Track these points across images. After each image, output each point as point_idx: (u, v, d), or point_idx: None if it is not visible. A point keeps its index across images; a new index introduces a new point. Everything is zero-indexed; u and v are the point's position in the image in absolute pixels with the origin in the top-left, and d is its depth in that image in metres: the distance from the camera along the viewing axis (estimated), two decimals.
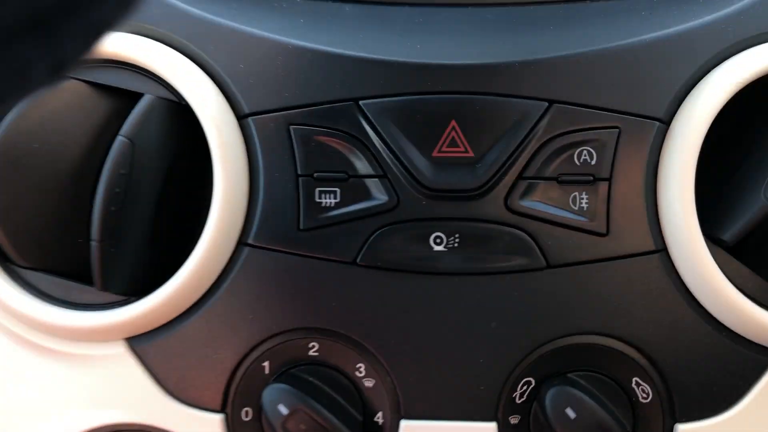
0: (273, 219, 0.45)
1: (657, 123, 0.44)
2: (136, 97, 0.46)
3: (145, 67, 0.46)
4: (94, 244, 0.44)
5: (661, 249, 0.45)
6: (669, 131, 0.44)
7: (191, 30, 0.47)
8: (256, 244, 0.46)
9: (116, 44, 0.46)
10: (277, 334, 0.46)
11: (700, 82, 0.44)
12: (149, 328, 0.47)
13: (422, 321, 0.45)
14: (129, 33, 0.47)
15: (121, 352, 0.48)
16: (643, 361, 0.45)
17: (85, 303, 0.47)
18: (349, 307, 0.45)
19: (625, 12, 0.48)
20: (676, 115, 0.44)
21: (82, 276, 0.46)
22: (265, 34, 0.46)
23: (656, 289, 0.45)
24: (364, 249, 0.45)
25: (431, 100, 0.45)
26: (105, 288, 0.45)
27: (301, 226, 0.45)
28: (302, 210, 0.45)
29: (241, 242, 0.46)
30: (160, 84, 0.47)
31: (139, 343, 0.47)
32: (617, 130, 0.44)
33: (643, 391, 0.45)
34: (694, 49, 0.45)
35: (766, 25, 0.45)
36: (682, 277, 0.45)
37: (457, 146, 0.45)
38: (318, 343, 0.46)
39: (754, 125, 0.46)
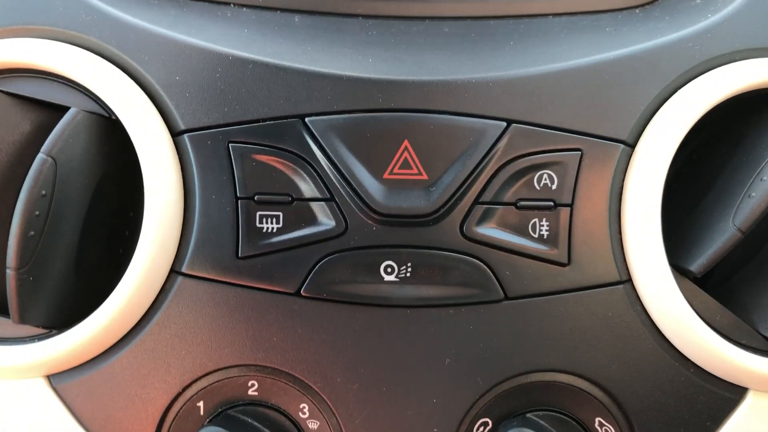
0: (209, 245, 0.42)
1: (621, 145, 0.42)
2: (63, 110, 0.42)
3: (72, 79, 0.43)
4: (9, 272, 0.40)
5: (626, 280, 0.42)
6: (634, 154, 0.42)
7: (123, 38, 0.43)
8: (190, 273, 0.42)
9: (39, 52, 0.43)
10: (212, 372, 0.43)
11: (666, 103, 0.42)
12: (72, 364, 0.43)
13: (371, 357, 0.42)
14: (54, 40, 0.43)
15: (41, 390, 0.44)
16: (606, 400, 0.43)
17: (2, 337, 0.43)
18: (292, 343, 0.42)
19: (588, 28, 0.46)
20: (642, 137, 0.42)
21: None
22: (205, 43, 0.43)
23: (621, 322, 0.42)
24: (308, 279, 0.42)
25: (383, 118, 0.42)
26: (22, 321, 0.41)
27: (240, 254, 0.42)
28: (241, 236, 0.42)
29: (174, 270, 0.42)
30: (89, 96, 0.43)
31: (62, 380, 0.44)
32: (579, 152, 0.42)
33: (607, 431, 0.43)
34: (660, 69, 0.43)
35: (732, 44, 0.43)
36: (648, 310, 0.42)
37: (410, 168, 0.42)
38: (258, 381, 0.43)
39: (721, 147, 0.44)
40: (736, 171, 0.42)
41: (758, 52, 0.43)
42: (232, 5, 0.47)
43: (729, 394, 0.43)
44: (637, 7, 0.47)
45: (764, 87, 0.42)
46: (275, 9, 0.48)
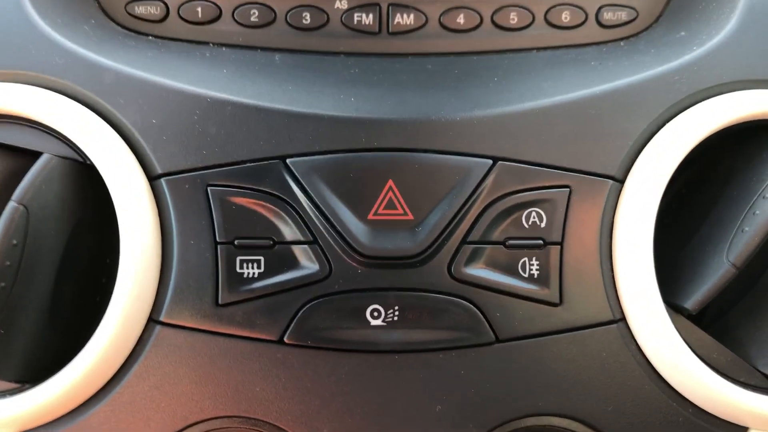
0: (188, 292, 0.41)
1: (610, 181, 0.41)
2: (35, 156, 0.41)
3: (45, 123, 0.41)
4: None
5: (620, 318, 0.41)
6: (623, 190, 0.41)
7: (98, 81, 0.42)
8: (169, 322, 0.41)
9: (10, 97, 0.41)
10: (194, 424, 0.41)
11: (654, 138, 0.41)
12: (46, 419, 0.41)
13: (359, 406, 0.41)
14: (26, 84, 0.42)
15: None
16: None
17: None
18: (276, 392, 0.41)
19: (573, 62, 0.45)
20: (631, 172, 0.41)
21: None
22: (182, 85, 0.42)
23: (615, 362, 0.41)
24: (291, 325, 0.40)
25: (366, 158, 0.41)
26: None
27: (220, 301, 0.40)
28: (221, 282, 0.40)
29: (152, 319, 0.41)
30: (62, 141, 0.42)
31: None
32: (568, 189, 0.41)
33: None
34: (647, 102, 0.42)
35: (719, 77, 0.43)
36: (643, 349, 0.41)
37: (395, 208, 0.41)
38: None
39: (712, 181, 0.43)
40: (728, 205, 0.41)
41: (745, 84, 0.42)
42: (210, 45, 0.47)
43: None
44: (621, 40, 0.47)
45: (753, 119, 0.42)
46: (255, 48, 0.47)
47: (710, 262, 0.40)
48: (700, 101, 0.42)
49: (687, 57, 0.43)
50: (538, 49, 0.47)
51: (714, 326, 0.42)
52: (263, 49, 0.47)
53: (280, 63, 0.46)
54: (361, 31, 0.47)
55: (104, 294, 0.42)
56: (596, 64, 0.44)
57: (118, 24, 0.47)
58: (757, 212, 0.39)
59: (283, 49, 0.47)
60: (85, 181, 0.41)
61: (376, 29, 0.47)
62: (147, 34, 0.47)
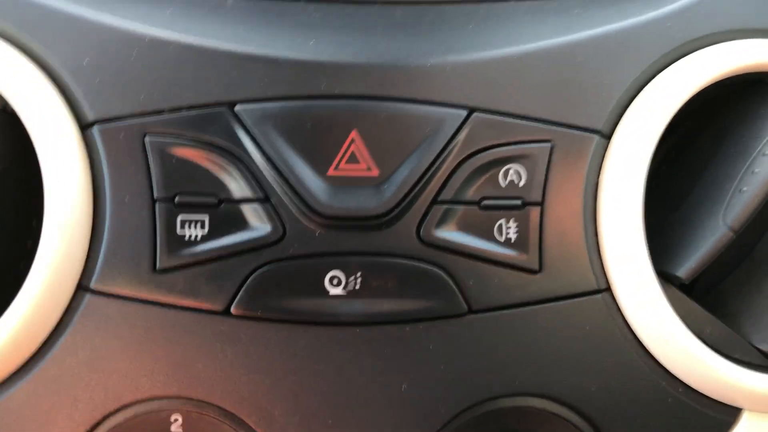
0: (122, 256, 0.37)
1: (596, 136, 0.38)
2: None
3: None
4: None
5: (605, 288, 0.38)
6: (610, 146, 0.38)
7: (23, 16, 0.38)
8: (100, 289, 0.37)
9: None
10: (128, 405, 0.37)
11: (644, 89, 0.38)
12: None
13: (315, 385, 0.37)
14: None
15: None
16: (585, 426, 0.38)
17: None
18: (221, 370, 0.37)
19: (555, 11, 0.42)
20: (618, 126, 0.38)
21: None
22: (118, 22, 0.38)
23: (600, 336, 0.38)
24: (239, 294, 0.37)
25: (326, 106, 0.37)
26: None
27: (158, 266, 0.37)
28: (159, 244, 0.37)
29: (82, 286, 0.37)
30: None
31: None
32: (549, 144, 0.38)
33: None
34: (637, 51, 0.39)
35: (715, 24, 0.40)
36: (630, 322, 0.38)
37: (358, 162, 0.37)
38: (182, 415, 0.38)
39: (704, 140, 0.40)
40: (723, 164, 0.38)
41: (742, 33, 0.40)
42: None
43: (722, 416, 0.39)
44: None
45: (750, 71, 0.39)
46: None
47: (705, 226, 0.37)
48: (694, 51, 0.39)
49: (680, 2, 0.40)
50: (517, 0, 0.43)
51: (706, 298, 0.39)
52: None
53: (233, 5, 0.42)
54: None
55: (29, 261, 0.38)
56: (580, 11, 0.41)
57: None
58: (756, 170, 0.36)
59: None
60: (6, 129, 0.37)
61: None
62: None
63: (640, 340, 0.38)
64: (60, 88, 0.37)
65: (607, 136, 0.38)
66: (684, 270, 0.37)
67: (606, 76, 0.38)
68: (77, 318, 0.37)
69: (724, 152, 0.39)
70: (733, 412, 0.39)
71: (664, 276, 0.38)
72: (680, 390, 0.38)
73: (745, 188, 0.36)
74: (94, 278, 0.37)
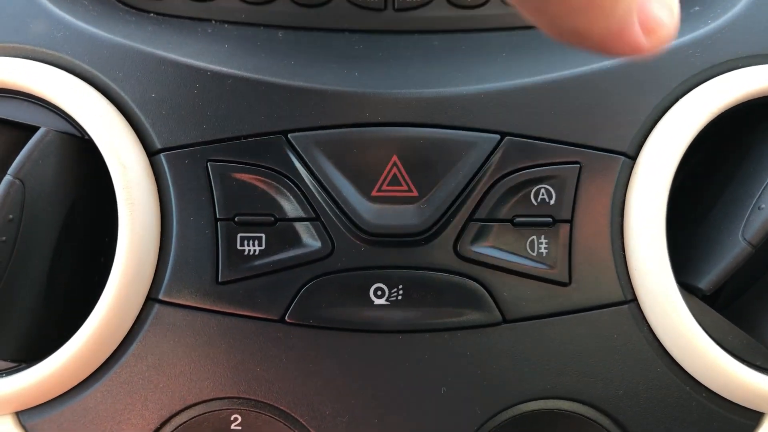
0: (187, 270, 0.40)
1: (622, 157, 0.40)
2: (33, 131, 0.40)
3: (42, 97, 0.40)
4: None
5: (631, 299, 0.40)
6: (635, 166, 0.40)
7: (96, 54, 0.41)
8: (168, 300, 0.40)
9: (9, 71, 0.40)
10: (192, 405, 0.40)
11: (667, 113, 0.40)
12: (42, 400, 0.41)
13: (361, 387, 0.39)
14: (23, 58, 0.41)
15: (9, 428, 0.41)
16: (613, 428, 0.40)
17: None
18: (277, 373, 0.39)
19: None
20: (643, 148, 0.40)
21: None
22: (182, 58, 0.41)
23: (626, 345, 0.40)
24: (293, 304, 0.39)
25: (370, 133, 0.40)
26: None
27: (220, 279, 0.39)
28: (221, 259, 0.39)
29: (150, 298, 0.40)
30: (60, 116, 0.41)
31: (31, 417, 0.41)
32: (578, 165, 0.40)
33: None
34: (660, 77, 0.41)
35: (735, 51, 0.41)
36: (655, 331, 0.40)
37: (400, 184, 0.39)
38: (241, 415, 0.40)
39: (726, 159, 0.42)
40: (744, 182, 0.40)
41: (760, 59, 0.41)
42: (212, 21, 0.46)
43: (744, 420, 0.40)
44: None
45: None
46: (258, 25, 0.46)
47: (725, 241, 0.39)
48: (716, 76, 0.41)
49: (702, 31, 0.41)
50: None
51: (728, 309, 0.41)
52: (266, 26, 0.46)
53: (283, 39, 0.45)
54: (366, 7, 0.46)
55: (102, 274, 0.41)
56: None
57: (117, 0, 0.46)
58: None
59: (286, 26, 0.46)
60: (83, 157, 0.40)
61: (382, 5, 0.46)
62: (147, 11, 0.46)
63: (665, 347, 0.40)
64: (129, 120, 0.40)
65: (633, 158, 0.40)
66: (705, 282, 0.38)
67: (631, 101, 0.40)
68: (147, 326, 0.40)
69: (744, 171, 0.40)
70: (755, 417, 0.40)
71: (687, 288, 0.40)
72: (704, 395, 0.40)
73: (763, 205, 0.38)
74: (162, 290, 0.40)
